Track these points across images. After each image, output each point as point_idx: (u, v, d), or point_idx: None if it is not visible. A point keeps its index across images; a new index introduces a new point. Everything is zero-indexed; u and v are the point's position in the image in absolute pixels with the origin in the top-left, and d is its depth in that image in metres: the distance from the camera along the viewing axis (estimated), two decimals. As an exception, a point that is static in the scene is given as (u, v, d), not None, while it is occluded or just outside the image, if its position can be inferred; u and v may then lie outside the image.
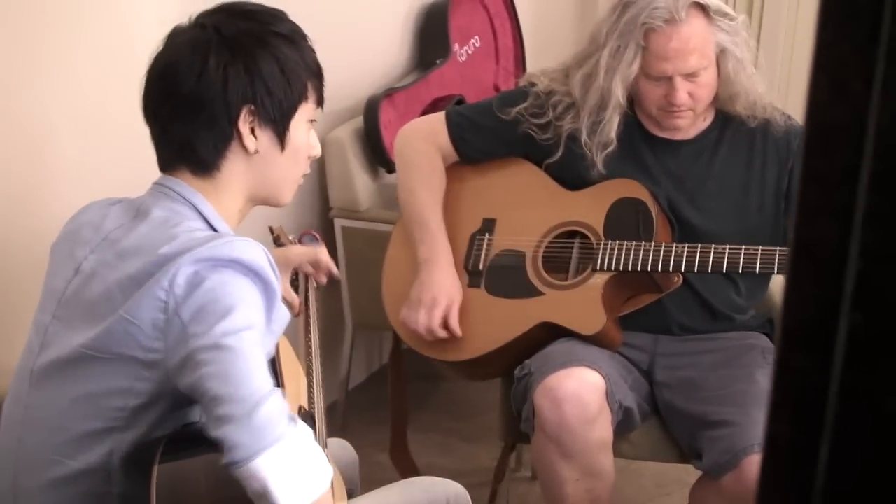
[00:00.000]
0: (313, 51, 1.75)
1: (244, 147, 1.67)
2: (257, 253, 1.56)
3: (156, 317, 1.52)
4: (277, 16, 1.73)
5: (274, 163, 1.70)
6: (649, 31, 2.35)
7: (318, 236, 2.24)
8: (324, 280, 2.15)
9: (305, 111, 1.73)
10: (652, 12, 2.34)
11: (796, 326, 0.51)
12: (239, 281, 1.54)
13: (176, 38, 1.69)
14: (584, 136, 2.46)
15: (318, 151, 1.79)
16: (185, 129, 1.67)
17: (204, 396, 1.49)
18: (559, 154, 2.51)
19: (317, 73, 1.74)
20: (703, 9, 2.37)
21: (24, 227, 2.31)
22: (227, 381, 1.47)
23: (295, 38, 1.71)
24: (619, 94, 2.41)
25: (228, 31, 1.66)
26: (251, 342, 1.51)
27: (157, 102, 1.68)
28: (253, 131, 1.67)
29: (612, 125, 2.43)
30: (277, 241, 2.22)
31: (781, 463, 0.55)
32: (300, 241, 2.23)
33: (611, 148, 2.44)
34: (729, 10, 2.44)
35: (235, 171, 1.69)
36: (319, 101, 1.77)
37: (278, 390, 1.51)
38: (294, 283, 2.12)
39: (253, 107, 1.65)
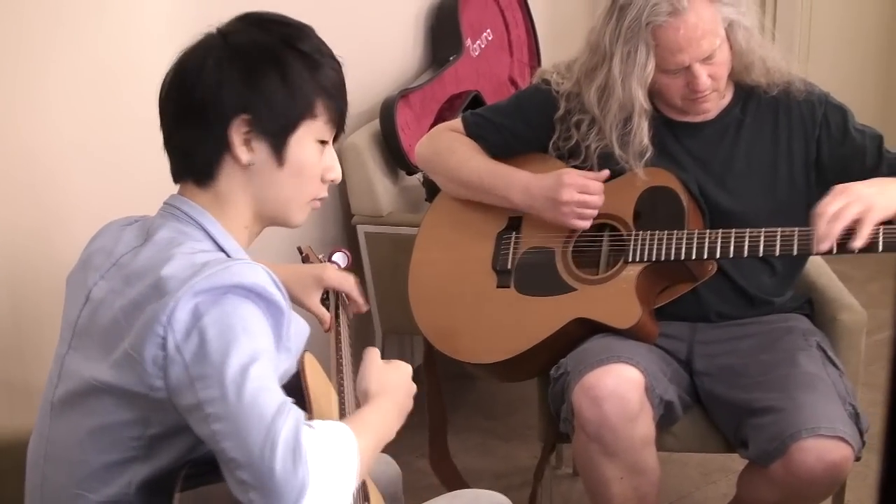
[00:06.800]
0: (337, 71, 1.67)
1: (238, 158, 1.61)
2: (257, 274, 1.51)
3: (156, 353, 1.47)
4: (303, 31, 1.66)
5: (273, 179, 1.64)
6: (656, 28, 2.30)
7: (347, 253, 2.20)
8: (354, 310, 2.11)
9: (312, 129, 1.65)
10: (653, 9, 2.29)
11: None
12: (241, 307, 1.48)
13: (192, 43, 1.65)
14: (617, 151, 2.41)
15: (336, 175, 1.72)
16: (185, 134, 1.63)
17: (220, 454, 1.43)
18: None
19: (331, 94, 1.66)
20: None
21: (44, 256, 2.28)
22: (242, 443, 1.40)
23: (315, 56, 1.64)
24: (641, 99, 2.36)
25: (236, 39, 1.62)
26: (259, 375, 1.44)
27: (164, 105, 1.66)
28: (249, 143, 1.61)
29: (643, 131, 2.39)
30: (307, 261, 2.19)
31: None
32: (330, 259, 2.19)
33: (648, 154, 2.39)
34: None
35: (234, 184, 1.63)
36: (336, 124, 1.69)
37: (288, 410, 1.43)
38: (325, 301, 2.09)
39: (248, 116, 1.59)
